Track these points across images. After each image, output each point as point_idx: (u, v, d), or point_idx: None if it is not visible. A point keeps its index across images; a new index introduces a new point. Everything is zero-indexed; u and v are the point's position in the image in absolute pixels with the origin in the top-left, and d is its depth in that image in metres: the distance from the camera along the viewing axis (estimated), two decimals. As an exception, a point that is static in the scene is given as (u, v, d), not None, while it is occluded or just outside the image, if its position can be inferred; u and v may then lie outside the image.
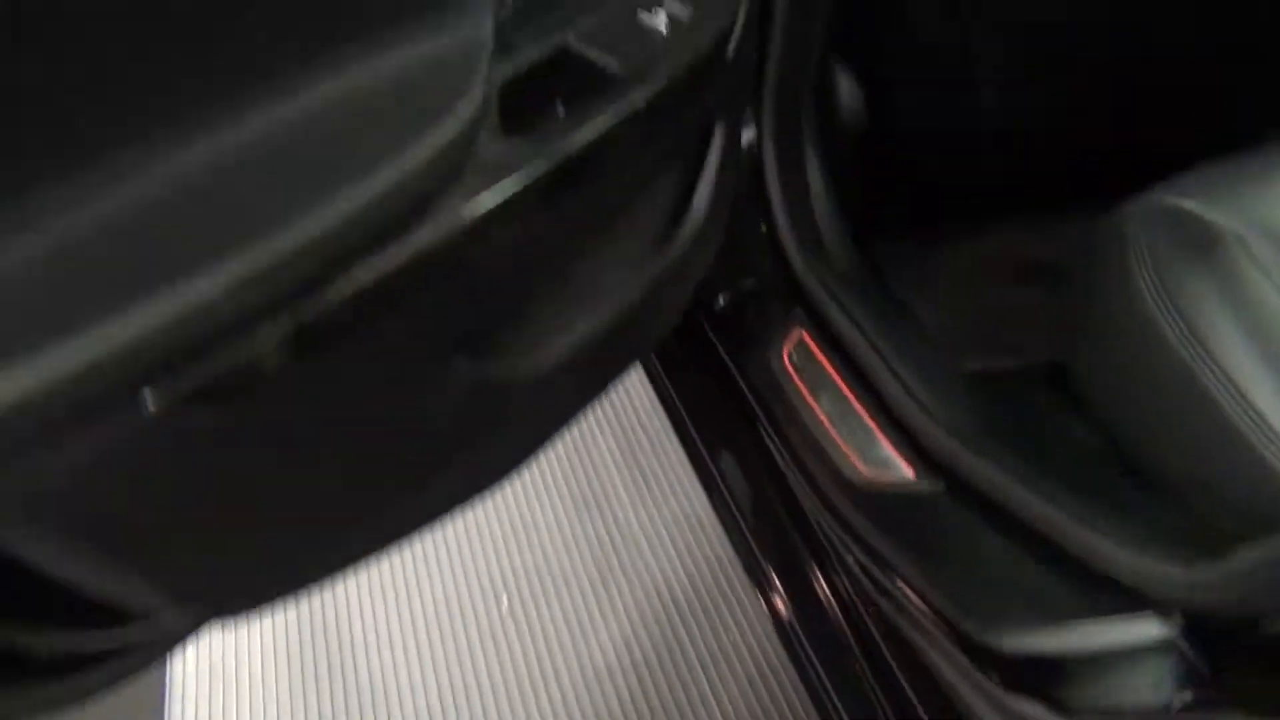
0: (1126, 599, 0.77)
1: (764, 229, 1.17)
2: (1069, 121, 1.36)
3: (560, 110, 0.80)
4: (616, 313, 0.89)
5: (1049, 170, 1.44)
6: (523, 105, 0.75)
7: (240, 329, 0.49)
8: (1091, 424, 0.96)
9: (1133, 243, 0.90)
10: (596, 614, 1.55)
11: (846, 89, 1.25)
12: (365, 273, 0.55)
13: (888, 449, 1.00)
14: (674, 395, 1.45)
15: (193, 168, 0.50)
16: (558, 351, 0.81)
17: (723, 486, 1.37)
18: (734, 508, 1.37)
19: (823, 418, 1.06)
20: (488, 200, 0.64)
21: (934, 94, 1.26)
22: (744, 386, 1.20)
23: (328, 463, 0.65)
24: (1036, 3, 1.20)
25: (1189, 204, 0.90)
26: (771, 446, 1.16)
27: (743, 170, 1.18)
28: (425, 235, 0.59)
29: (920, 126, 1.30)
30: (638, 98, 0.78)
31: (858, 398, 1.05)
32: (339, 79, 0.58)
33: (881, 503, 0.98)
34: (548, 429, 0.94)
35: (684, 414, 1.45)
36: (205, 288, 0.47)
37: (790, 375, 1.11)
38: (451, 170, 0.63)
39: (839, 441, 1.03)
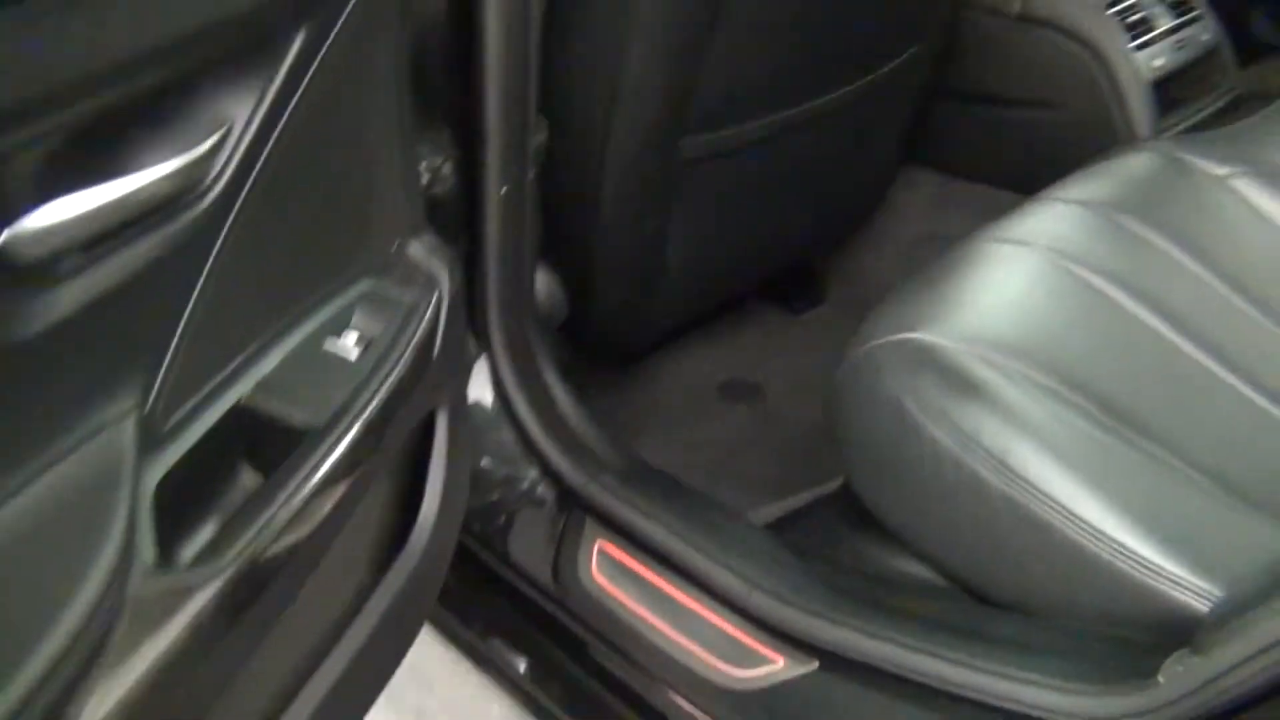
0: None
1: (528, 451, 1.13)
2: (740, 267, 1.52)
3: (249, 478, 0.68)
4: (352, 655, 0.82)
5: (723, 300, 1.56)
6: (197, 493, 0.63)
7: None
8: (910, 554, 1.02)
9: (903, 391, 0.96)
10: None
11: (543, 284, 1.24)
12: None
13: (747, 642, 0.99)
14: (454, 627, 1.35)
15: None
16: None
17: (544, 699, 1.28)
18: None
19: (663, 627, 1.03)
20: (151, 654, 0.55)
21: (630, 273, 1.30)
22: (556, 612, 1.14)
23: None
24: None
25: (931, 339, 0.98)
26: (614, 668, 1.11)
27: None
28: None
29: (617, 298, 1.33)
30: (338, 447, 0.69)
31: (690, 596, 1.04)
32: None
33: (763, 700, 0.97)
34: None
35: (470, 641, 1.35)
36: None
37: (607, 591, 1.08)
38: (97, 641, 0.52)
39: (694, 649, 1.01)
